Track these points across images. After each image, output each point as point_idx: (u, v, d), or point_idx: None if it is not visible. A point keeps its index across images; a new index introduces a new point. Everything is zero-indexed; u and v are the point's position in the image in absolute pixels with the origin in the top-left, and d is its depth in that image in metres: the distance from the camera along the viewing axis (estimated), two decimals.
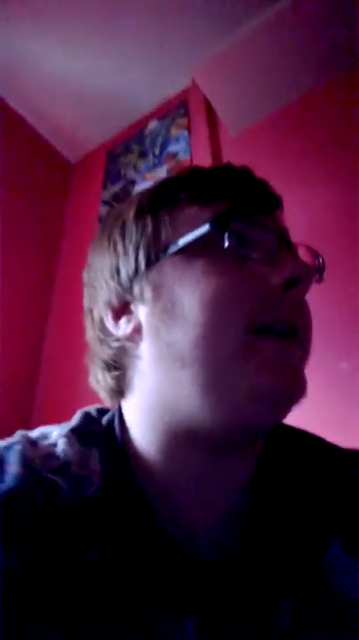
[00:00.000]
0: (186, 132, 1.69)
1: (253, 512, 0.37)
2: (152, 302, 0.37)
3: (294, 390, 0.33)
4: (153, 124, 1.86)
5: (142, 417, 0.38)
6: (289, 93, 1.44)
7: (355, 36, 1.28)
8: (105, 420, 0.42)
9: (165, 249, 0.37)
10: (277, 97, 1.45)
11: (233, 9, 1.53)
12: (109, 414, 0.43)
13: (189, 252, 0.36)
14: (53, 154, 2.08)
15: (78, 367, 1.38)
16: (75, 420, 0.42)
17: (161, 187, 0.42)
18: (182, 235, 0.36)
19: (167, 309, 0.35)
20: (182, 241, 0.36)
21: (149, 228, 0.38)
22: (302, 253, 0.41)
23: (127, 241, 0.40)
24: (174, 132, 1.75)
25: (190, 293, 0.34)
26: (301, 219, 1.24)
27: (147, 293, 0.37)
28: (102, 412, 0.44)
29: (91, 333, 0.43)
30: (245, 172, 0.42)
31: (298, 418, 0.45)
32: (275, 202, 0.42)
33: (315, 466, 0.41)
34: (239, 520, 0.36)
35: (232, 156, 1.52)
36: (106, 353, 0.41)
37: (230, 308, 0.33)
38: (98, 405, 0.45)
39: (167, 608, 0.31)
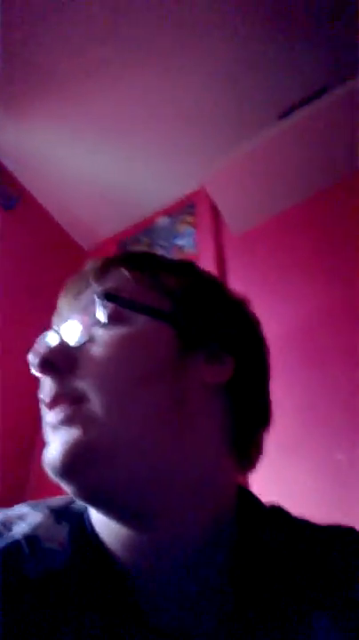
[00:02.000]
0: (192, 229, 1.85)
1: (234, 586, 0.37)
2: None
3: (57, 458, 0.34)
4: (162, 220, 2.03)
5: None
6: (288, 201, 1.61)
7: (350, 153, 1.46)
8: None
9: None
10: (277, 204, 1.62)
11: (241, 124, 1.75)
12: None
13: None
14: (69, 241, 2.24)
15: None
16: (56, 498, 0.44)
17: None
18: None
19: None
20: None
21: None
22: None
23: None
24: (181, 227, 1.91)
25: None
26: (300, 311, 1.33)
27: None
28: None
29: None
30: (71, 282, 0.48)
31: (295, 505, 0.46)
32: (74, 298, 0.45)
33: (295, 542, 0.40)
34: (217, 594, 0.37)
35: (234, 252, 1.66)
36: None
37: None
38: None
39: None
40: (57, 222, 2.17)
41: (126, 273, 0.43)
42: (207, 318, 0.43)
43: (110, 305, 0.39)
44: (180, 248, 1.82)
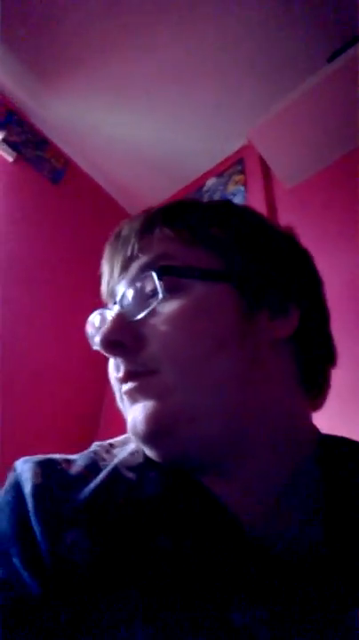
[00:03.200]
0: (242, 188, 1.79)
1: (329, 516, 0.37)
2: None
3: (141, 428, 0.36)
4: (211, 182, 1.98)
5: None
6: (340, 150, 1.50)
7: None
8: None
9: None
10: (329, 153, 1.52)
11: (286, 73, 1.65)
12: None
13: None
14: (119, 209, 2.24)
15: None
16: None
17: None
18: None
19: None
20: None
21: None
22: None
23: None
24: (231, 187, 1.85)
25: None
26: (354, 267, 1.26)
27: None
28: None
29: None
30: (117, 244, 0.46)
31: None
32: (122, 269, 0.44)
33: None
34: (306, 527, 0.37)
35: (286, 207, 1.58)
36: None
37: None
38: None
39: (239, 597, 0.31)
40: (105, 191, 2.18)
41: (172, 234, 0.42)
42: (266, 270, 0.42)
43: (167, 278, 0.38)
44: None
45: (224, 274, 0.40)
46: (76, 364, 1.64)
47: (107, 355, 0.39)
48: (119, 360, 0.39)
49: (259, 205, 1.62)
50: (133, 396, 0.38)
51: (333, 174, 1.52)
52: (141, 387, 0.37)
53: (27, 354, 1.49)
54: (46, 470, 0.37)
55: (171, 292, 0.38)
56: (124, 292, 0.41)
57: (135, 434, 0.37)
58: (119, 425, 0.42)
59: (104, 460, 0.40)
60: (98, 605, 0.30)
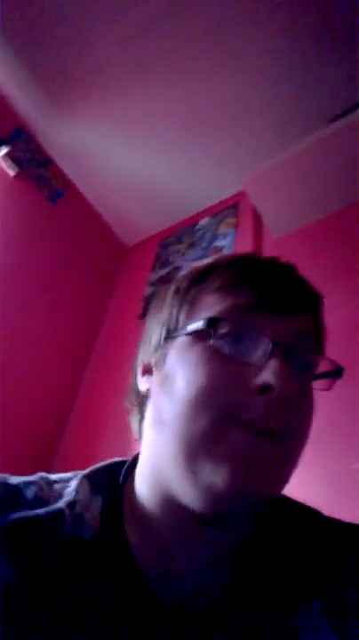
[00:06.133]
0: (233, 230, 1.85)
1: (237, 566, 0.40)
2: (159, 370, 0.43)
3: (256, 485, 0.34)
4: (204, 221, 2.04)
5: (143, 468, 0.43)
6: (330, 207, 1.57)
7: None
8: (121, 470, 0.46)
9: (180, 329, 0.43)
10: (320, 209, 1.59)
11: (290, 129, 1.73)
12: (126, 465, 0.47)
13: (194, 336, 0.40)
14: (112, 237, 2.29)
15: (105, 425, 1.45)
16: (90, 469, 0.45)
17: (199, 272, 0.46)
18: (196, 320, 0.41)
19: (165, 379, 0.41)
20: (190, 327, 0.41)
21: (175, 309, 0.44)
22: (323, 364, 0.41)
23: (161, 315, 0.46)
24: (222, 229, 1.91)
25: (182, 373, 0.39)
26: (340, 319, 1.29)
27: (159, 362, 0.44)
28: (120, 464, 0.47)
29: (131, 380, 0.50)
30: (283, 269, 0.45)
31: None
32: (300, 305, 0.42)
33: (306, 534, 0.43)
34: (222, 571, 0.40)
35: (272, 254, 1.64)
36: (134, 399, 0.49)
37: (208, 397, 0.36)
38: (119, 458, 0.48)
39: None
40: (100, 217, 2.23)
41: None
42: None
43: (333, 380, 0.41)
44: (220, 249, 1.83)
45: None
46: (46, 384, 1.63)
47: (269, 406, 0.35)
48: (278, 415, 0.36)
49: (247, 249, 1.67)
50: (267, 453, 0.35)
51: (320, 229, 1.59)
52: (278, 450, 0.36)
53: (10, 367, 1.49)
54: None
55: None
56: (306, 358, 0.40)
57: (240, 485, 0.34)
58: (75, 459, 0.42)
59: (42, 491, 0.40)
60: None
